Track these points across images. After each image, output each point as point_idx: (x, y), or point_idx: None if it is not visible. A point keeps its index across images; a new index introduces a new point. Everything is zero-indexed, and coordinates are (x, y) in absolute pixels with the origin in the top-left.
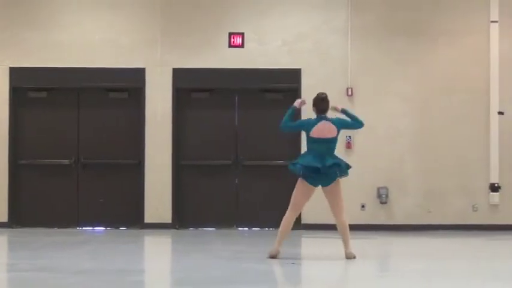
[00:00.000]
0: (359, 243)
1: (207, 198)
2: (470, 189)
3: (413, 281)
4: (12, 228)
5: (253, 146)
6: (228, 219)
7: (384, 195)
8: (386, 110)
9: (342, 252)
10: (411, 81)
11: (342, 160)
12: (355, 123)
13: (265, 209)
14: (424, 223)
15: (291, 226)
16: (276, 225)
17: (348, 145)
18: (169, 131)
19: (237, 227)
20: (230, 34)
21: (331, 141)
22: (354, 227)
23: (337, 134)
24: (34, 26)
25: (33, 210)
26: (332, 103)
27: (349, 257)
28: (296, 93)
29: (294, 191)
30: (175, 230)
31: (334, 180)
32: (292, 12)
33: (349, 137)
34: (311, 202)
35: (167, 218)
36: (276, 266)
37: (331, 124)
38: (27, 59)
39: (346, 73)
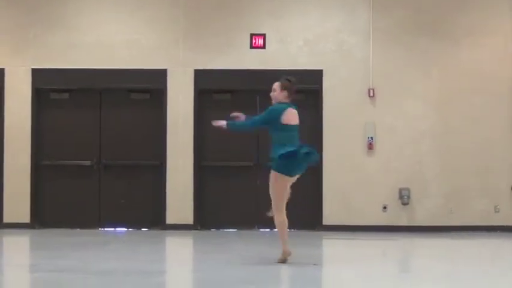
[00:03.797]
0: (381, 244)
1: (229, 199)
2: (493, 190)
3: (436, 282)
4: (35, 229)
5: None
6: (249, 220)
7: (405, 196)
8: (408, 111)
9: (364, 253)
10: (433, 82)
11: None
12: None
13: (287, 210)
14: (446, 224)
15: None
16: (297, 226)
17: (370, 146)
18: (190, 132)
19: (258, 228)
20: (252, 35)
21: (297, 129)
22: (375, 228)
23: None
24: (56, 27)
25: (55, 211)
26: (351, 103)
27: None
28: (318, 94)
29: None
30: (197, 231)
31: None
32: (313, 13)
33: (371, 137)
34: (331, 203)
35: (189, 219)
36: (297, 267)
37: (295, 111)
38: (50, 60)
39: (368, 74)
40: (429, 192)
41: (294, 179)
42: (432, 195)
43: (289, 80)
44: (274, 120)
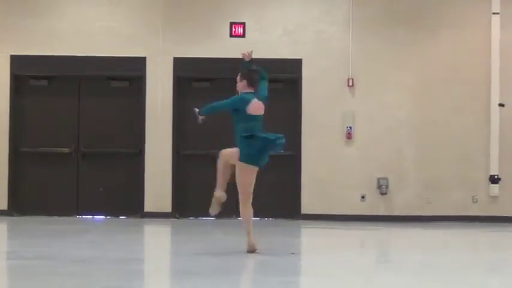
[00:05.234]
0: (359, 233)
1: (207, 187)
2: (470, 181)
3: (413, 272)
4: (12, 216)
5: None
6: (228, 209)
7: (384, 186)
8: (387, 101)
9: (341, 242)
10: (412, 72)
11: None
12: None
13: (265, 199)
14: (424, 214)
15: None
16: (275, 215)
17: (348, 135)
18: (169, 120)
19: (237, 217)
20: (231, 24)
21: (261, 119)
22: (353, 218)
23: None
24: (35, 14)
25: (33, 198)
26: (330, 93)
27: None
28: (297, 83)
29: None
30: (175, 219)
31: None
32: (293, 2)
33: (350, 127)
34: (310, 192)
35: (167, 207)
36: (275, 256)
37: (260, 101)
38: (29, 47)
39: (347, 63)
40: (407, 182)
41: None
42: (410, 185)
43: (248, 69)
44: (240, 108)
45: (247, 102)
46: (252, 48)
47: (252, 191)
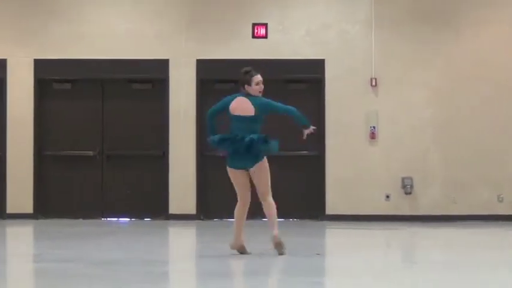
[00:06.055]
0: (384, 233)
1: (232, 189)
2: (496, 180)
3: (439, 272)
4: (38, 219)
5: (276, 137)
6: (252, 210)
7: (408, 186)
8: (410, 100)
9: (367, 242)
10: (435, 71)
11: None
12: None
13: (289, 200)
14: (449, 214)
15: (245, 216)
16: (300, 215)
17: (372, 135)
18: (193, 122)
19: (262, 217)
20: (254, 25)
21: (249, 120)
22: (378, 218)
23: (257, 114)
24: (58, 17)
25: (58, 201)
26: (354, 93)
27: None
28: (320, 83)
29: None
30: (200, 221)
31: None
32: (316, 3)
33: (373, 127)
34: (334, 193)
35: (192, 209)
36: (300, 257)
37: (248, 102)
38: (52, 50)
39: (370, 63)
40: (432, 181)
41: (241, 171)
42: (435, 185)
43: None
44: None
45: (229, 102)
46: (274, 48)
47: (242, 191)
